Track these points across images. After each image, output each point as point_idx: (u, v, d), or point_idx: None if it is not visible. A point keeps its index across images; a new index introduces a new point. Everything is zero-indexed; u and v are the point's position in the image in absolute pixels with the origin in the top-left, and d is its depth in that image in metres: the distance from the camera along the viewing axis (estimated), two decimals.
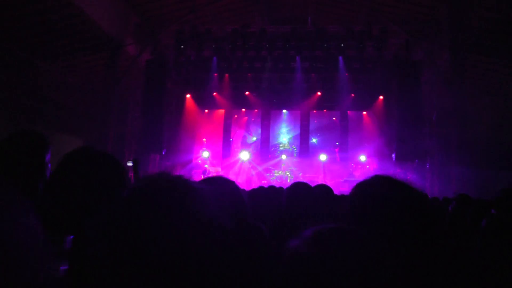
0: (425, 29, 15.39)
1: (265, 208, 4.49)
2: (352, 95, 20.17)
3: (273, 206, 4.60)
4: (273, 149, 22.70)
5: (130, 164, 14.41)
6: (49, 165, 2.39)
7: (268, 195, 4.85)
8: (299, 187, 3.50)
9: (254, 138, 23.41)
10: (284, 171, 20.89)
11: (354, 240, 0.94)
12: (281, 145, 23.14)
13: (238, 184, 2.24)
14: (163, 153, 17.25)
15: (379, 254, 0.94)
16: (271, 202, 4.59)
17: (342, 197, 6.68)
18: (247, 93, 21.04)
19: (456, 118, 14.45)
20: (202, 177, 18.56)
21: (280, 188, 6.97)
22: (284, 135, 23.63)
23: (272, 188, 5.18)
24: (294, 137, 23.21)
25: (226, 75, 20.00)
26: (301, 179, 19.32)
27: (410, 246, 1.40)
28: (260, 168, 21.04)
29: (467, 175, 13.68)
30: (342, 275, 0.89)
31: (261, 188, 5.23)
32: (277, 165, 21.49)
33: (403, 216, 1.43)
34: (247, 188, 17.73)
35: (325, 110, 22.38)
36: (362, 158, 20.54)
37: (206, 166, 20.50)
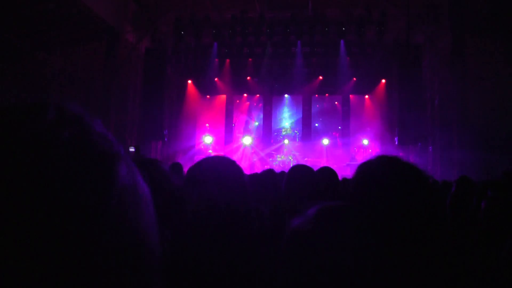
0: (425, 12, 15.24)
1: (265, 191, 4.53)
2: (354, 79, 20.12)
3: (272, 189, 4.64)
4: (275, 134, 22.72)
5: (132, 149, 14.46)
6: None
7: (266, 179, 4.89)
8: (298, 170, 3.50)
9: (256, 123, 23.41)
10: (287, 156, 20.92)
11: (357, 217, 0.95)
12: (283, 130, 23.16)
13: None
14: (165, 140, 17.29)
15: (381, 233, 0.96)
16: (270, 185, 4.63)
17: (344, 180, 6.72)
18: (248, 78, 21.01)
19: (458, 101, 14.40)
20: None
21: (282, 172, 7.01)
22: (286, 120, 23.64)
23: (270, 172, 5.19)
24: (296, 122, 23.21)
25: (227, 61, 19.98)
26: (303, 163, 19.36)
27: (412, 227, 1.38)
28: (262, 154, 21.07)
29: (469, 159, 13.67)
30: (345, 252, 0.90)
31: (260, 173, 5.27)
32: (279, 150, 21.53)
33: (407, 197, 1.41)
34: (249, 173, 17.77)
35: (326, 95, 22.34)
36: (365, 142, 20.53)
37: (210, 151, 20.54)
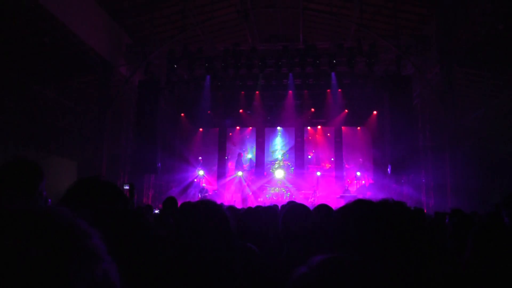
0: (414, 44, 15.52)
1: (257, 228, 4.48)
2: (346, 111, 20.28)
3: (265, 226, 4.58)
4: (268, 166, 22.68)
5: (126, 187, 14.37)
6: (44, 193, 2.39)
7: (260, 215, 4.83)
8: (294, 209, 3.47)
9: (250, 156, 23.39)
10: (280, 188, 20.85)
11: (362, 270, 0.96)
12: (276, 162, 23.14)
13: (225, 206, 2.36)
14: (158, 173, 17.20)
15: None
16: (262, 223, 4.57)
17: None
18: (240, 111, 21.12)
19: (449, 131, 14.51)
20: (200, 196, 18.59)
21: (274, 206, 6.95)
22: (279, 152, 23.66)
23: (263, 208, 5.17)
24: (289, 154, 23.23)
25: (219, 93, 20.09)
26: (297, 196, 19.30)
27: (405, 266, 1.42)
28: (254, 187, 20.97)
29: (462, 187, 13.70)
30: None
31: (252, 208, 5.22)
32: (272, 182, 21.45)
33: (385, 238, 1.46)
34: (243, 206, 17.62)
35: (319, 127, 22.45)
36: (358, 174, 20.56)
37: (203, 185, 20.44)
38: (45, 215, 0.64)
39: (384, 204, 1.57)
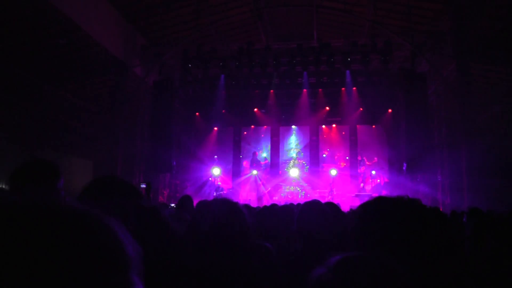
0: (429, 41, 15.41)
1: (273, 226, 4.51)
2: (361, 109, 20.20)
3: (281, 225, 4.61)
4: (283, 164, 22.68)
5: (143, 186, 14.48)
6: (61, 192, 2.46)
7: (275, 214, 4.86)
8: (310, 207, 3.48)
9: (265, 155, 23.41)
10: (295, 187, 20.84)
11: (380, 269, 0.96)
12: (291, 160, 23.12)
13: (242, 204, 2.35)
14: (173, 172, 17.31)
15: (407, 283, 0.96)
16: (278, 221, 4.60)
17: (353, 212, 6.67)
18: (255, 110, 21.15)
19: (465, 129, 14.37)
20: (215, 194, 18.67)
21: (290, 204, 6.98)
22: (294, 150, 23.63)
23: (278, 207, 5.21)
24: (304, 152, 23.20)
25: (234, 92, 20.13)
26: (312, 195, 19.28)
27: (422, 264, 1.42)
28: (269, 186, 20.98)
29: (479, 185, 13.57)
30: None
31: (268, 207, 5.25)
32: (287, 181, 21.44)
33: (407, 237, 1.46)
34: (259, 204, 17.66)
35: (334, 125, 22.37)
36: (373, 172, 20.46)
37: (219, 183, 20.50)
38: (84, 216, 0.62)
39: (399, 201, 1.57)
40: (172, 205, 11.23)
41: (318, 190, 20.07)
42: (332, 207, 4.38)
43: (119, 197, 1.90)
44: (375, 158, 21.31)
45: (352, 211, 6.75)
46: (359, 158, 21.39)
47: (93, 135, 16.76)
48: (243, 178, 21.91)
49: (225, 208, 2.22)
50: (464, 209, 11.69)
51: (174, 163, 16.99)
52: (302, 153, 23.31)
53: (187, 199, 6.88)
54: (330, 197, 18.66)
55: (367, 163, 21.24)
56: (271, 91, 19.99)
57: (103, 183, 1.98)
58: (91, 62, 15.24)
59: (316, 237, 3.09)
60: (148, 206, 1.62)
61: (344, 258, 0.96)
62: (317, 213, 3.31)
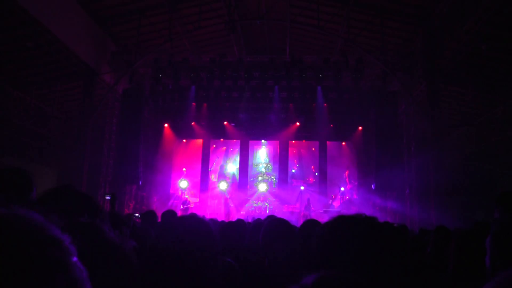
0: (400, 60, 15.70)
1: (238, 242, 4.43)
2: (331, 125, 20.33)
3: (246, 240, 4.54)
4: (251, 179, 22.60)
5: (107, 198, 14.14)
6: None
7: (241, 228, 4.79)
8: (275, 224, 3.42)
9: (233, 169, 23.29)
10: (263, 202, 20.77)
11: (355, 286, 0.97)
12: (259, 175, 23.07)
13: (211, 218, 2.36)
14: (140, 183, 17.00)
15: None
16: (243, 237, 4.53)
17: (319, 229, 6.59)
18: (225, 123, 21.05)
19: (433, 148, 14.62)
20: (182, 207, 18.42)
21: (257, 219, 6.88)
22: (263, 165, 23.59)
23: (243, 222, 5.15)
24: (273, 167, 23.20)
25: (204, 104, 20.02)
26: (279, 210, 19.23)
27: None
28: (237, 200, 20.85)
29: (446, 202, 13.79)
30: None
31: (233, 222, 5.18)
32: (256, 196, 21.35)
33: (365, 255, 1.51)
34: (226, 219, 17.53)
35: (304, 141, 22.46)
36: (342, 188, 20.58)
37: (186, 196, 20.25)
38: (8, 218, 0.62)
39: (356, 219, 1.61)
40: (137, 214, 10.99)
41: (286, 205, 20.04)
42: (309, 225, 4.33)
43: (72, 210, 1.81)
44: (344, 174, 21.45)
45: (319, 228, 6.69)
46: (346, 174, 21.45)
47: (59, 143, 16.36)
48: (210, 192, 21.73)
49: (191, 225, 2.17)
50: (431, 225, 11.86)
51: (141, 174, 16.70)
52: (271, 168, 23.31)
53: (152, 214, 6.70)
54: (302, 213, 18.62)
55: (349, 185, 21.20)
56: (242, 104, 19.98)
57: (56, 194, 1.92)
58: (59, 67, 14.92)
59: (281, 254, 3.05)
60: (87, 222, 1.51)
61: (322, 277, 0.95)
62: (281, 231, 3.26)
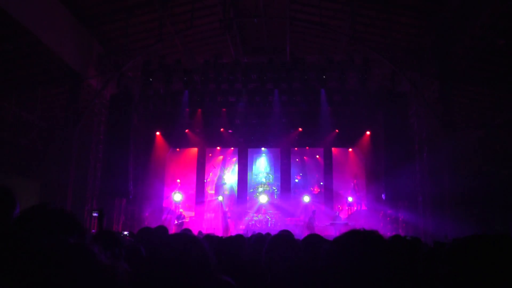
0: (410, 58, 15.62)
1: (238, 259, 4.34)
2: (336, 130, 20.26)
3: (246, 257, 4.45)
4: (251, 190, 22.50)
5: (95, 214, 14.01)
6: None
7: (240, 244, 4.70)
8: (280, 241, 3.33)
9: (231, 179, 23.19)
10: (264, 215, 20.65)
11: None
12: (260, 186, 22.98)
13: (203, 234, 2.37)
14: (130, 197, 16.87)
15: None
16: (243, 253, 4.44)
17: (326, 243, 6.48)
18: (221, 129, 20.98)
19: (448, 153, 14.51)
20: (176, 222, 18.30)
21: (258, 234, 6.77)
22: (264, 174, 23.50)
23: (242, 238, 5.08)
24: (274, 177, 23.10)
25: (199, 110, 19.95)
26: (282, 223, 19.10)
27: None
28: (235, 213, 20.74)
29: (462, 212, 13.67)
30: None
31: (232, 237, 5.10)
32: (256, 208, 21.25)
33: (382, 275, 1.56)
34: (224, 234, 17.39)
35: (307, 148, 22.38)
36: (350, 199, 20.46)
37: (181, 210, 20.16)
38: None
39: (363, 235, 1.67)
40: (126, 233, 10.87)
41: (289, 218, 19.91)
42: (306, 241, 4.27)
43: (52, 231, 1.81)
44: (352, 183, 21.35)
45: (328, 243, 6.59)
46: (354, 183, 21.33)
47: (42, 154, 16.25)
48: (207, 204, 21.61)
49: (182, 244, 2.19)
50: (448, 238, 11.74)
51: (131, 187, 16.58)
52: (272, 178, 23.22)
53: (146, 232, 6.60)
54: (306, 226, 18.50)
55: (357, 193, 21.06)
56: (239, 109, 19.89)
57: (32, 215, 1.90)
58: (41, 71, 14.84)
59: (286, 273, 2.98)
60: (76, 243, 1.42)
61: None
62: (287, 246, 3.19)
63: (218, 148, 22.94)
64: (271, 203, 21.60)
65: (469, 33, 13.29)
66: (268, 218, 20.44)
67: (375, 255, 1.58)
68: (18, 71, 14.51)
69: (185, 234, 2.31)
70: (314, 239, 4.23)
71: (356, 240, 1.64)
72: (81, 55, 15.42)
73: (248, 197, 21.81)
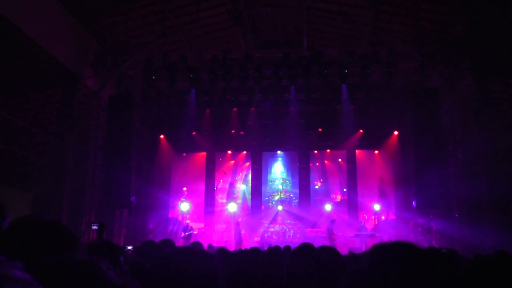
0: (441, 50, 15.51)
1: (254, 277, 4.34)
2: (360, 131, 20.20)
3: (265, 274, 4.44)
4: (266, 198, 22.51)
5: (94, 227, 14.13)
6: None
7: (256, 260, 4.70)
8: (304, 255, 3.33)
9: (244, 186, 23.23)
10: (281, 225, 20.64)
11: None
12: (276, 193, 22.98)
13: (214, 248, 2.38)
14: (132, 208, 16.96)
15: None
16: (261, 269, 4.43)
17: (352, 256, 6.47)
18: (232, 131, 21.03)
19: (486, 155, 14.40)
20: (183, 234, 18.36)
21: (276, 248, 6.78)
22: (280, 181, 23.50)
23: (259, 251, 5.08)
24: (292, 184, 23.10)
25: (207, 110, 20.02)
26: (302, 235, 19.08)
27: None
28: (249, 224, 20.75)
29: (505, 221, 13.53)
30: None
31: (248, 251, 5.10)
32: (272, 218, 21.26)
33: None
34: (237, 247, 17.36)
35: (328, 150, 22.34)
36: (376, 207, 20.36)
37: (187, 221, 20.22)
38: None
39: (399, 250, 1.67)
40: (130, 247, 10.95)
41: (309, 229, 19.90)
42: (329, 252, 4.25)
43: (45, 247, 1.81)
44: (378, 190, 21.28)
45: (353, 256, 6.57)
46: (380, 189, 21.16)
47: (34, 162, 16.38)
48: (217, 215, 21.66)
49: (189, 261, 2.21)
50: (487, 249, 11.63)
51: (134, 196, 16.67)
52: (290, 184, 23.21)
53: (149, 246, 6.66)
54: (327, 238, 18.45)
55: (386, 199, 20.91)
56: (252, 109, 19.92)
57: (21, 229, 1.90)
58: (32, 72, 14.95)
59: None
60: (83, 260, 1.45)
61: None
62: (311, 261, 3.18)
63: (229, 152, 22.98)
64: (288, 212, 21.60)
65: (509, 19, 13.18)
66: (285, 229, 20.42)
67: (416, 273, 1.57)
68: (7, 72, 14.63)
69: (194, 247, 2.33)
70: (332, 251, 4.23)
71: (389, 257, 1.64)
72: (76, 54, 15.51)
73: (263, 206, 21.83)
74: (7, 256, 1.69)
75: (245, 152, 22.67)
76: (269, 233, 20.23)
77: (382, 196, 20.80)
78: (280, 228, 20.53)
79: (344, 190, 21.90)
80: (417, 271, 1.57)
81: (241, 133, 21.15)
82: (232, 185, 23.46)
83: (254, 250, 5.37)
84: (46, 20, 13.74)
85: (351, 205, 20.75)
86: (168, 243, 6.17)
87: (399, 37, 15.96)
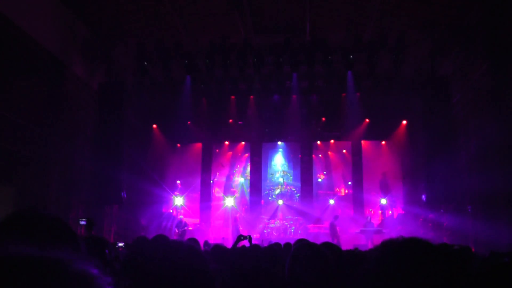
0: (453, 36, 15.46)
1: (254, 275, 4.31)
2: (367, 120, 20.18)
3: (264, 271, 4.42)
4: (266, 192, 22.52)
5: (82, 223, 14.11)
6: None
7: (257, 256, 4.68)
8: (306, 253, 3.30)
9: (242, 179, 23.23)
10: (282, 221, 20.65)
11: None
12: (277, 187, 23.00)
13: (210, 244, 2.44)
14: (123, 203, 16.96)
15: None
16: (260, 267, 4.41)
17: (357, 253, 6.43)
18: (230, 121, 20.99)
19: (501, 146, 14.37)
20: (177, 231, 18.37)
21: (276, 244, 6.74)
22: (281, 173, 23.51)
23: (259, 248, 5.04)
24: (294, 176, 23.10)
25: (203, 99, 19.96)
26: (304, 231, 19.10)
27: None
28: (248, 219, 20.77)
29: None
30: None
31: (246, 248, 5.07)
32: (273, 213, 21.28)
33: None
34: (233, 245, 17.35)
35: (332, 141, 22.33)
36: (383, 201, 20.34)
37: (181, 217, 20.22)
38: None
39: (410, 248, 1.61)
40: (121, 244, 10.95)
41: (311, 226, 19.90)
42: (332, 250, 4.23)
43: (41, 243, 1.72)
44: (385, 183, 21.27)
45: (359, 253, 6.55)
46: (387, 182, 21.07)
47: (18, 156, 16.34)
48: (214, 210, 21.67)
49: (181, 260, 2.18)
50: (502, 246, 11.63)
51: (125, 191, 16.66)
52: (291, 177, 23.22)
53: (142, 242, 6.66)
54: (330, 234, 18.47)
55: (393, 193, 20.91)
56: (251, 97, 19.87)
57: (19, 221, 1.82)
58: (15, 59, 14.87)
59: None
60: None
61: None
62: (314, 259, 3.15)
63: (227, 143, 22.97)
64: (290, 207, 21.61)
65: None
66: (286, 225, 20.44)
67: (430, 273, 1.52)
68: None
69: (190, 245, 2.33)
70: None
71: (398, 254, 1.60)
72: (63, 40, 15.39)
73: (262, 201, 21.84)
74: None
75: (243, 143, 22.64)
76: (269, 229, 20.25)
77: (383, 191, 20.73)
78: (280, 224, 20.55)
79: (349, 183, 21.90)
80: (432, 271, 1.54)
81: (239, 122, 21.12)
82: (229, 178, 23.45)
83: (255, 247, 5.35)
84: (30, 3, 13.66)
85: (356, 199, 20.75)
86: (161, 239, 6.15)
87: (408, 22, 15.90)
